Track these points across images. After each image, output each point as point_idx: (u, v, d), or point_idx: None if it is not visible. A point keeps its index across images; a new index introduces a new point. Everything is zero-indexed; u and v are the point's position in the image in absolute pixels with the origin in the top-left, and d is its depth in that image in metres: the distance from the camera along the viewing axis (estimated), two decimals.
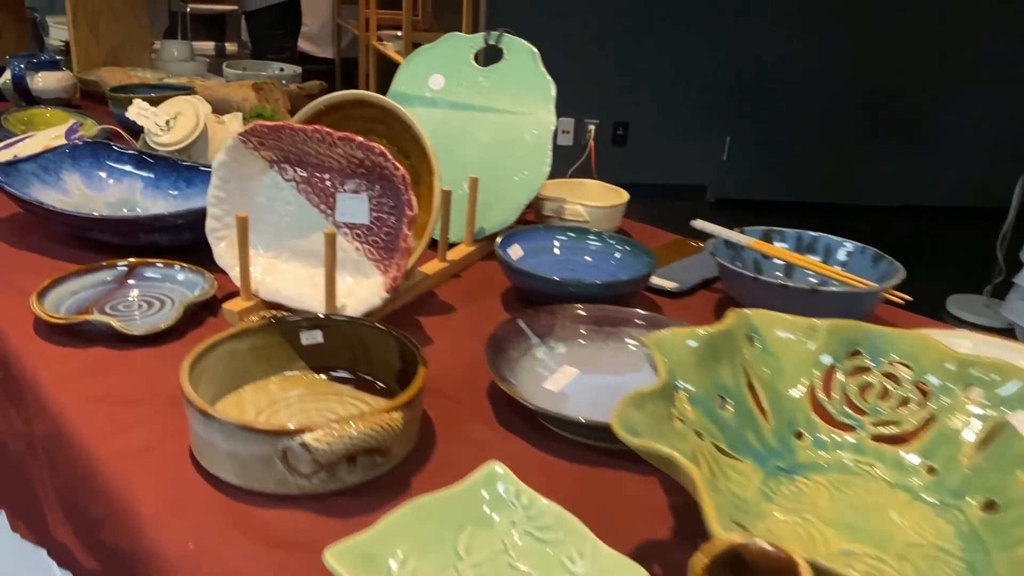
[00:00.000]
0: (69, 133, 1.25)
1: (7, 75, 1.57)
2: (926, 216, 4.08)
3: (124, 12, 1.93)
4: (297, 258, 0.85)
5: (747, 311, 0.65)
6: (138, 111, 1.14)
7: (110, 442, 0.62)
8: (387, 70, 4.69)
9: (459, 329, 0.84)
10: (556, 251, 0.95)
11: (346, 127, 0.88)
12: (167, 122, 1.14)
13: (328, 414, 0.66)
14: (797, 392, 0.64)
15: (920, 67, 3.92)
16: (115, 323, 0.75)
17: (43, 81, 1.58)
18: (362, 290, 0.81)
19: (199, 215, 0.89)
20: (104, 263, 0.87)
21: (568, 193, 1.13)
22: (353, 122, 0.89)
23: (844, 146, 4.09)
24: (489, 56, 1.09)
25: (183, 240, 0.93)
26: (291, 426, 0.54)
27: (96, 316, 0.76)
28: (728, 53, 3.91)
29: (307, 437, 0.53)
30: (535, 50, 1.05)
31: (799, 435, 0.63)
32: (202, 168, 1.10)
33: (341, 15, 5.52)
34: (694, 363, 0.59)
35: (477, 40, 1.08)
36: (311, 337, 0.71)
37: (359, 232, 0.82)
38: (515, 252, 0.92)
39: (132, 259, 0.88)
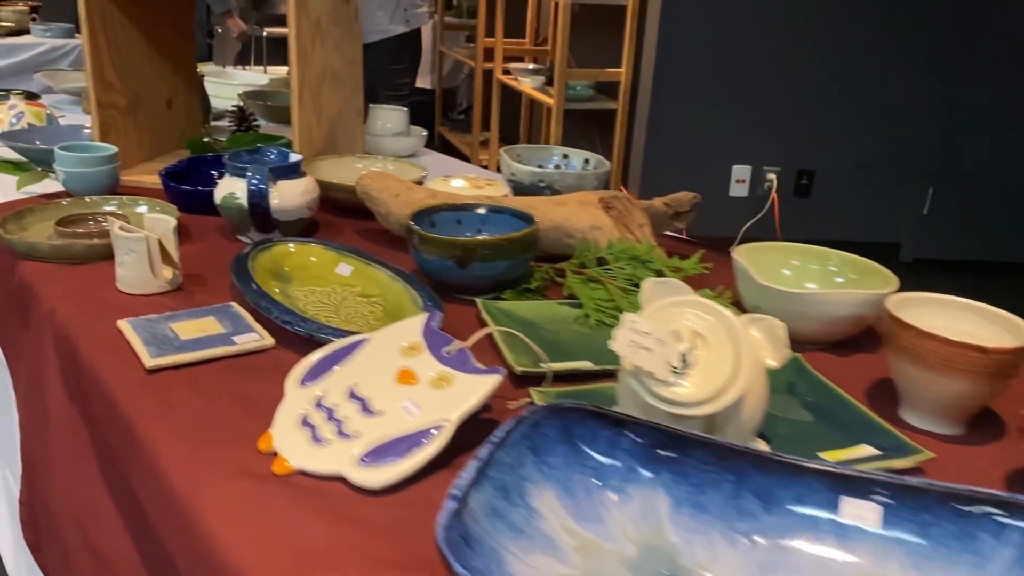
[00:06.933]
0: (435, 344, 0.69)
1: (234, 189, 1.02)
2: None
3: (343, 75, 1.39)
4: None
5: None
6: (633, 338, 0.57)
7: None
8: (510, 105, 4.14)
9: None
10: None
11: None
12: (682, 356, 0.58)
13: None
14: None
15: None
16: None
17: (280, 197, 1.03)
18: None
19: None
20: None
21: None
22: None
23: None
24: None
25: None
26: None
27: None
28: (933, 92, 3.30)
29: None
30: None
31: None
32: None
33: (443, 42, 5.00)
34: None
35: None
36: None
37: None
38: None
39: None
